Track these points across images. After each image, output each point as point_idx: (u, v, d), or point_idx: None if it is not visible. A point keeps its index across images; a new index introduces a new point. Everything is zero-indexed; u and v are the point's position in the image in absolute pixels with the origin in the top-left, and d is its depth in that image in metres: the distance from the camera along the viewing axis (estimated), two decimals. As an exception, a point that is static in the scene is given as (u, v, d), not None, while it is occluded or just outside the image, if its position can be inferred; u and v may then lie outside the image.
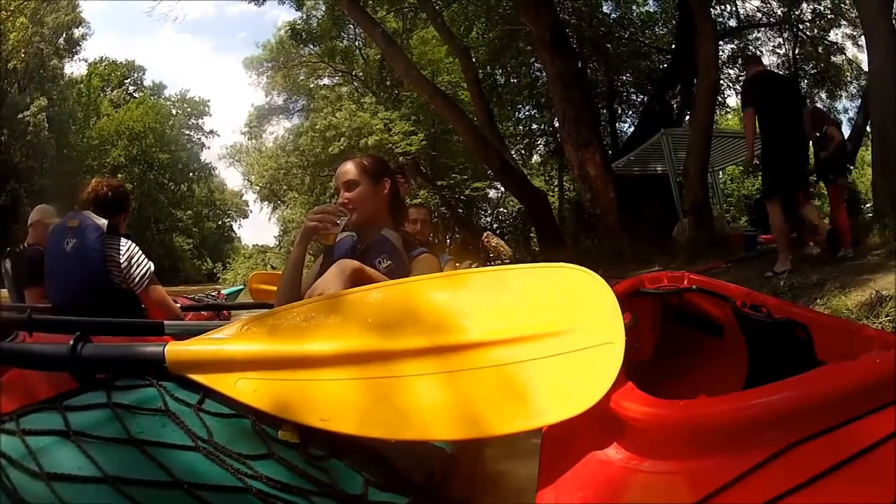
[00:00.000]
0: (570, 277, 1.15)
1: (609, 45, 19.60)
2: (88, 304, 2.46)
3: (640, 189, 13.29)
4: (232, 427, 0.96)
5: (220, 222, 46.28)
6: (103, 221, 2.66)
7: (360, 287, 1.24)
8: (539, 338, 1.05)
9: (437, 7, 15.65)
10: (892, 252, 5.20)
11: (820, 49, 19.24)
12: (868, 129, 10.20)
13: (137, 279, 2.67)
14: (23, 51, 27.76)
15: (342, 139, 22.66)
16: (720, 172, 16.27)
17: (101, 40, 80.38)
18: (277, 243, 32.05)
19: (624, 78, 20.67)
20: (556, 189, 22.82)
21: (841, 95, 20.10)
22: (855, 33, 16.99)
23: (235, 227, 47.99)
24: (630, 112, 21.18)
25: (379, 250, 1.95)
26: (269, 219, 33.57)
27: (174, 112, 41.24)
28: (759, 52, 19.72)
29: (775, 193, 5.26)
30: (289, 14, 35.34)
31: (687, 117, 14.77)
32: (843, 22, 17.72)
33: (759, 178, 6.02)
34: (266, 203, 31.69)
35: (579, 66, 13.54)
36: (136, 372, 1.00)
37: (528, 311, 1.10)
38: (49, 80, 30.36)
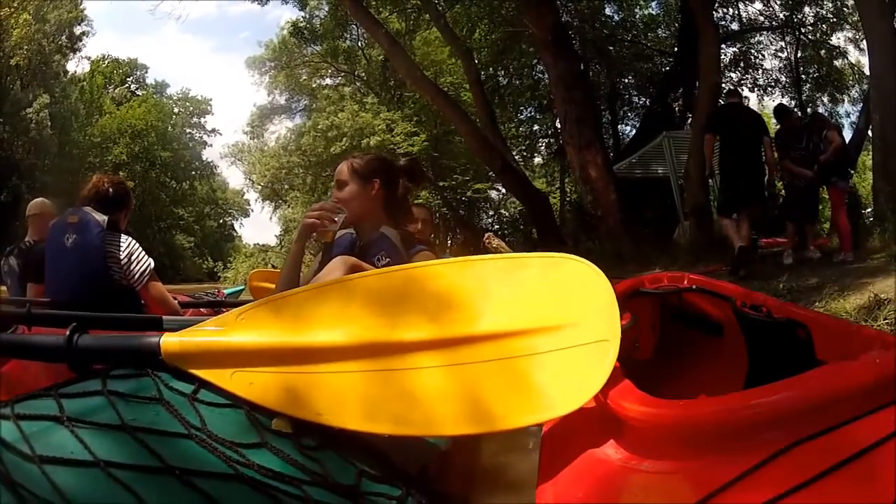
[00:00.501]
0: (571, 269, 1.14)
1: (611, 48, 19.63)
2: (88, 299, 2.46)
3: (642, 191, 13.28)
4: (226, 417, 0.96)
5: (221, 221, 46.26)
6: (104, 218, 2.66)
7: (356, 274, 1.23)
8: (533, 332, 1.05)
9: (440, 8, 15.67)
10: (892, 256, 5.22)
11: (822, 53, 19.22)
12: (869, 132, 10.20)
13: (137, 275, 2.67)
14: (25, 47, 27.74)
15: (344, 139, 22.70)
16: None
17: (104, 38, 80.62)
18: (278, 242, 31.99)
19: (626, 80, 20.69)
20: (558, 190, 22.80)
21: (843, 99, 20.12)
22: (857, 37, 16.98)
23: (237, 225, 47.98)
24: (632, 114, 21.21)
25: (378, 248, 1.96)
26: (271, 218, 33.53)
27: (176, 110, 41.22)
28: (760, 56, 19.81)
29: (724, 212, 6.08)
30: (292, 13, 35.37)
31: (689, 120, 14.75)
32: (846, 26, 17.71)
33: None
34: (267, 202, 31.70)
35: (582, 68, 13.57)
36: (132, 363, 1.01)
37: (523, 304, 1.09)
38: (52, 77, 30.36)
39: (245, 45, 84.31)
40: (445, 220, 23.59)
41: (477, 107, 14.82)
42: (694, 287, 2.20)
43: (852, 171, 8.08)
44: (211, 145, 48.09)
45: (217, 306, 4.47)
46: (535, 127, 22.70)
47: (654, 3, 20.53)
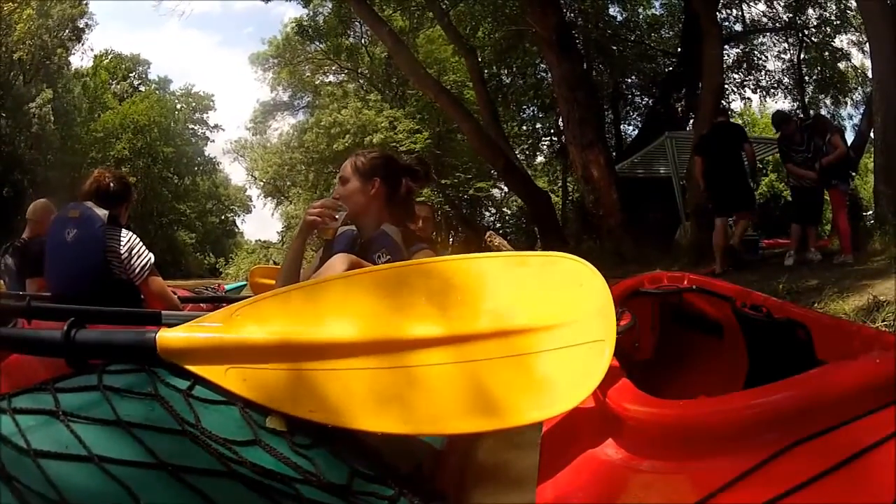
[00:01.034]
0: (568, 268, 1.13)
1: (615, 48, 19.61)
2: (88, 294, 2.44)
3: (644, 191, 13.25)
4: (220, 413, 0.95)
5: (223, 217, 46.15)
6: (104, 212, 2.65)
7: (354, 270, 1.23)
8: (530, 331, 1.04)
9: (443, 6, 15.64)
10: (892, 258, 5.22)
11: (825, 55, 19.20)
12: (871, 135, 10.20)
13: (137, 270, 2.66)
14: (28, 42, 27.74)
15: (347, 136, 22.70)
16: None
17: (107, 34, 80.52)
18: (280, 239, 32.03)
19: (629, 80, 20.68)
20: (560, 190, 22.79)
21: (845, 102, 20.08)
22: (860, 40, 16.94)
23: (238, 222, 47.90)
24: (634, 114, 21.21)
25: (378, 245, 1.97)
26: (273, 214, 33.60)
27: (179, 106, 41.12)
28: (764, 57, 19.80)
29: (719, 214, 6.86)
30: (295, 11, 35.31)
31: (691, 121, 14.74)
32: (849, 28, 17.69)
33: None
34: (269, 199, 31.78)
35: (585, 67, 13.55)
36: (128, 358, 1.00)
37: (520, 302, 1.08)
38: (55, 72, 30.36)
39: (249, 42, 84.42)
40: (447, 217, 23.59)
41: (480, 105, 14.83)
42: (694, 287, 2.21)
43: (853, 174, 8.11)
44: (213, 141, 48.32)
45: (217, 302, 4.47)
46: (538, 126, 22.73)
47: (657, 4, 20.58)
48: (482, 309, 1.07)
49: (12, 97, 27.49)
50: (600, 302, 1.08)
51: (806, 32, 18.96)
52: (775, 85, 20.21)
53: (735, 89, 20.22)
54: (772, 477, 0.76)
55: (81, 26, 31.38)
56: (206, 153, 42.65)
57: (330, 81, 27.21)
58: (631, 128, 21.05)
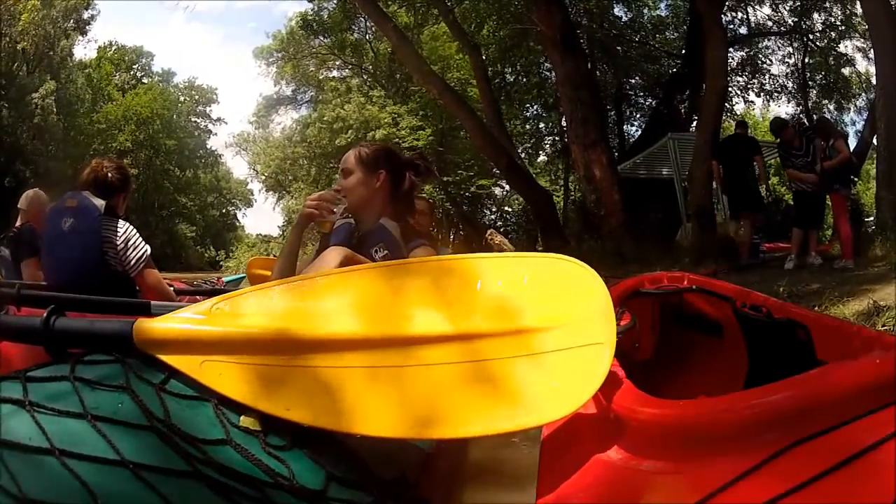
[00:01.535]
0: (565, 270, 1.13)
1: (619, 48, 19.57)
2: (83, 284, 2.41)
3: (645, 192, 13.25)
4: (193, 410, 0.93)
5: (224, 210, 46.13)
6: (101, 202, 2.64)
7: (346, 268, 1.21)
8: (527, 333, 1.03)
9: (448, 3, 15.61)
10: (893, 264, 5.22)
11: (830, 60, 19.19)
12: (874, 141, 10.20)
13: (133, 261, 2.64)
14: (32, 32, 27.71)
15: (350, 131, 22.66)
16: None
17: (111, 26, 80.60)
18: (281, 233, 31.97)
19: (633, 81, 20.64)
20: (562, 189, 22.77)
21: (849, 108, 20.08)
22: (865, 46, 16.93)
23: (240, 215, 47.84)
24: (638, 115, 21.15)
25: (376, 239, 1.94)
26: (274, 208, 33.53)
27: (182, 99, 41.11)
28: (768, 61, 19.79)
29: (732, 216, 8.03)
30: (299, 5, 35.20)
31: (694, 122, 14.73)
32: (854, 34, 17.67)
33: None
34: (271, 193, 31.68)
35: (589, 67, 13.53)
36: (106, 347, 0.98)
37: (518, 304, 1.07)
38: (58, 62, 30.32)
39: (252, 36, 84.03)
40: (448, 215, 23.56)
41: (483, 103, 14.80)
42: (694, 287, 2.20)
43: (855, 179, 8.15)
44: (216, 134, 48.29)
45: (213, 294, 4.45)
46: (541, 125, 22.70)
47: (662, 5, 20.51)
48: (478, 309, 1.05)
49: (15, 87, 27.43)
50: (601, 305, 1.07)
51: (811, 37, 18.95)
52: (779, 89, 20.24)
53: (739, 92, 20.22)
54: (772, 477, 0.76)
55: (86, 17, 31.41)
56: (209, 146, 42.76)
57: (333, 76, 27.17)
58: (634, 128, 21.07)
